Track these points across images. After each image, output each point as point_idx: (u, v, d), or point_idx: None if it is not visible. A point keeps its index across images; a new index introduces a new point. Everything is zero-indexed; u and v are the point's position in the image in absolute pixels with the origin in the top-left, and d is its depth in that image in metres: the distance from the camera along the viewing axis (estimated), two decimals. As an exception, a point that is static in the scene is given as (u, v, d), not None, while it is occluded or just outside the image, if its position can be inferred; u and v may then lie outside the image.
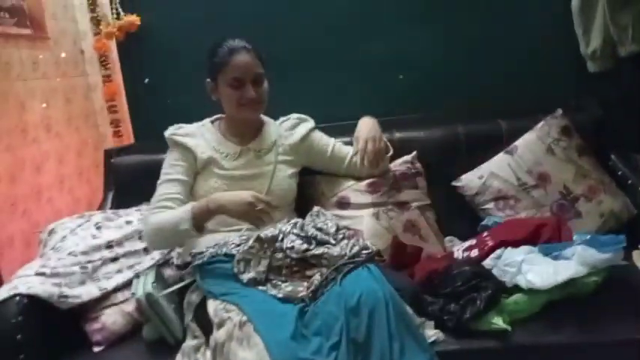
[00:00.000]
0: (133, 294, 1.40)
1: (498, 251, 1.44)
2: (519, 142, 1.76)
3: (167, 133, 1.59)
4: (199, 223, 1.42)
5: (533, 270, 1.32)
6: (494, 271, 1.39)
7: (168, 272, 1.62)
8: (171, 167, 1.55)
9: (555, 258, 1.37)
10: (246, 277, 1.36)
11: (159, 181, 1.55)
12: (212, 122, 1.66)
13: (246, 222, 1.44)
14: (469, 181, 1.76)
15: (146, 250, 1.63)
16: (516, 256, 1.37)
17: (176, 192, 1.52)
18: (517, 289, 1.35)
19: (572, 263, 1.29)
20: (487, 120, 1.86)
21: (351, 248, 1.44)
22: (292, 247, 1.38)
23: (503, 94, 1.95)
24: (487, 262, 1.44)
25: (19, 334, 1.29)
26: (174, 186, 1.52)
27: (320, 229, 1.44)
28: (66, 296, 1.39)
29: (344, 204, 1.71)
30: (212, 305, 1.33)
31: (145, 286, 1.40)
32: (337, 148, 1.72)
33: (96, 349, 1.43)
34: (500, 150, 1.78)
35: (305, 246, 1.40)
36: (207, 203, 1.42)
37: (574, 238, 1.46)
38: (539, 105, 1.85)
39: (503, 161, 1.75)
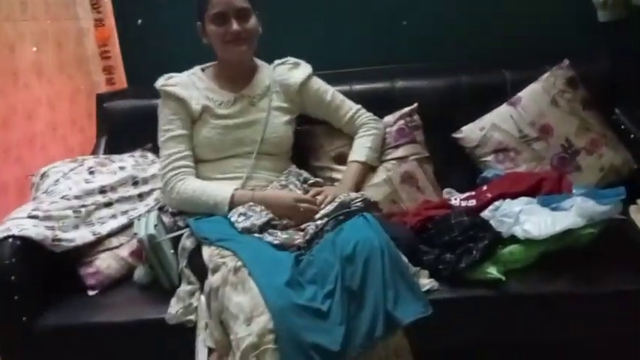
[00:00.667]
0: (135, 234, 1.38)
1: (497, 203, 1.43)
2: (523, 93, 1.71)
3: (158, 84, 1.53)
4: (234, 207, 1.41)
5: (531, 220, 1.31)
6: (492, 222, 1.38)
7: (164, 218, 1.60)
8: (171, 122, 1.50)
9: (554, 209, 1.35)
10: (241, 225, 1.35)
11: (162, 138, 1.51)
12: (203, 70, 1.60)
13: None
14: (470, 132, 1.72)
15: (140, 197, 1.62)
16: (514, 206, 1.36)
17: (185, 149, 1.49)
18: (513, 239, 1.34)
19: (571, 214, 1.28)
20: (491, 70, 1.81)
21: (344, 197, 1.43)
22: None
23: (508, 44, 1.89)
24: (485, 214, 1.43)
25: (12, 276, 1.28)
26: (181, 143, 1.49)
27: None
28: (59, 239, 1.38)
29: (342, 158, 1.68)
30: (207, 251, 1.32)
31: (147, 227, 1.38)
32: (336, 101, 1.66)
33: (90, 292, 1.43)
34: (504, 101, 1.73)
35: None
36: (251, 198, 1.41)
37: (573, 191, 1.44)
38: (545, 56, 1.79)
39: (505, 113, 1.71)
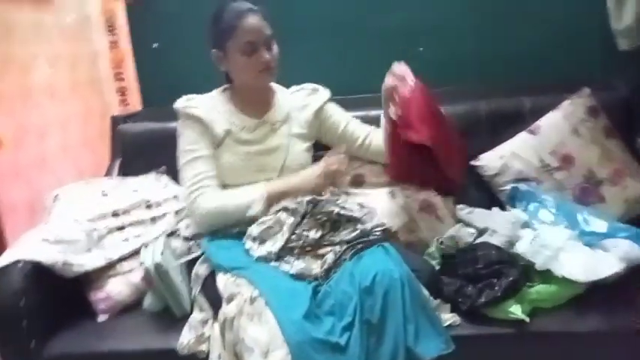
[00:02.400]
0: (142, 263, 1.35)
1: (537, 227, 1.38)
2: (543, 122, 1.68)
3: (179, 105, 1.49)
4: (270, 206, 1.38)
5: (572, 260, 1.26)
6: (526, 248, 1.32)
7: (175, 243, 1.56)
8: (194, 144, 1.46)
9: (590, 243, 1.31)
10: (257, 253, 1.32)
11: (182, 161, 1.46)
12: (222, 92, 1.59)
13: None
14: (489, 160, 1.69)
15: (153, 220, 1.59)
16: (556, 239, 1.31)
17: (209, 169, 1.44)
18: (542, 275, 1.30)
19: (614, 258, 1.24)
20: (510, 97, 1.78)
21: (364, 224, 1.40)
22: (307, 236, 1.33)
23: (527, 70, 1.87)
24: (522, 241, 1.37)
25: (22, 301, 1.25)
26: (207, 163, 1.44)
27: (343, 208, 1.38)
28: (70, 264, 1.35)
29: (359, 182, 1.65)
30: (222, 279, 1.28)
31: (154, 255, 1.35)
32: (351, 127, 1.63)
33: (100, 318, 1.40)
34: (523, 129, 1.70)
35: (320, 233, 1.35)
36: (283, 187, 1.40)
37: (606, 224, 1.38)
38: (564, 83, 1.76)
39: (525, 141, 1.68)
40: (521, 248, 1.34)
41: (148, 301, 1.41)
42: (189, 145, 1.46)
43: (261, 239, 1.34)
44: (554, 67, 1.87)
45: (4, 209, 2.23)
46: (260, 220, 1.37)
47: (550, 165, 1.64)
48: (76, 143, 2.90)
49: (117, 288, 1.43)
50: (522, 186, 1.61)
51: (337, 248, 1.34)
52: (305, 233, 1.33)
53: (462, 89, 1.87)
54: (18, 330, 1.26)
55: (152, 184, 1.68)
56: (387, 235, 1.40)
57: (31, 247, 1.33)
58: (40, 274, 1.31)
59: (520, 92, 1.79)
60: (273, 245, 1.32)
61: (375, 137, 1.61)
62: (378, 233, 1.38)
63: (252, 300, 1.16)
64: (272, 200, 1.38)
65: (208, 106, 1.51)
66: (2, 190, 2.25)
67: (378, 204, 1.57)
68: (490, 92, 1.82)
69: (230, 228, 1.41)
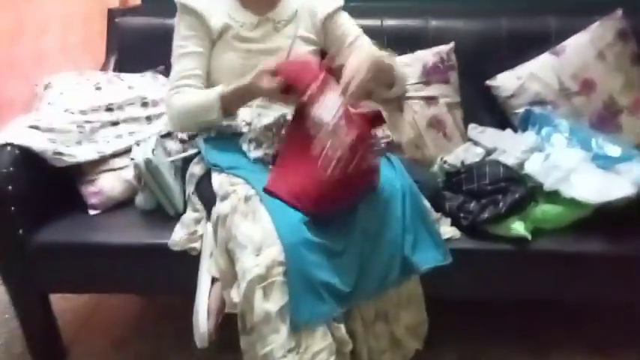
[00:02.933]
0: (132, 159, 1.30)
1: (548, 149, 1.32)
2: (568, 43, 1.58)
3: None
4: (229, 111, 1.29)
5: (583, 181, 1.21)
6: (537, 170, 1.27)
7: (171, 145, 1.51)
8: (185, 39, 1.37)
9: (603, 167, 1.25)
10: (254, 154, 1.26)
11: (173, 56, 1.37)
12: None
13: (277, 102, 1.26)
14: (505, 80, 1.60)
15: (148, 119, 1.52)
16: (568, 160, 1.25)
17: (194, 67, 1.35)
18: (548, 196, 1.25)
19: (625, 181, 1.18)
20: (535, 15, 1.66)
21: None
22: None
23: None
24: (532, 159, 1.31)
25: (9, 185, 1.21)
26: (192, 60, 1.35)
27: None
28: (61, 153, 1.30)
29: (366, 93, 1.56)
30: (217, 178, 1.24)
31: (145, 152, 1.30)
32: (359, 43, 1.48)
33: (91, 212, 1.36)
34: (546, 50, 1.60)
35: None
36: (234, 86, 1.26)
37: (620, 149, 1.32)
38: (595, 4, 1.63)
39: (546, 62, 1.58)
40: (531, 168, 1.28)
41: (140, 199, 1.37)
42: (181, 41, 1.37)
43: (257, 141, 1.28)
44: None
45: (0, 104, 2.17)
46: (254, 124, 1.30)
47: (570, 89, 1.55)
48: (75, 42, 2.79)
49: (109, 183, 1.38)
50: (536, 109, 1.53)
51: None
52: None
53: (484, 5, 1.75)
54: (6, 216, 1.23)
55: (149, 83, 1.60)
56: (392, 147, 1.35)
57: (20, 132, 1.27)
58: (29, 160, 1.26)
59: (546, 11, 1.67)
60: (270, 147, 1.26)
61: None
62: (382, 145, 1.33)
63: (247, 198, 1.12)
64: (226, 100, 1.27)
65: None
66: (-2, 84, 2.18)
67: (385, 117, 1.50)
68: (513, 9, 1.70)
69: (205, 131, 1.34)
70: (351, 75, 1.13)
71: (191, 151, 1.37)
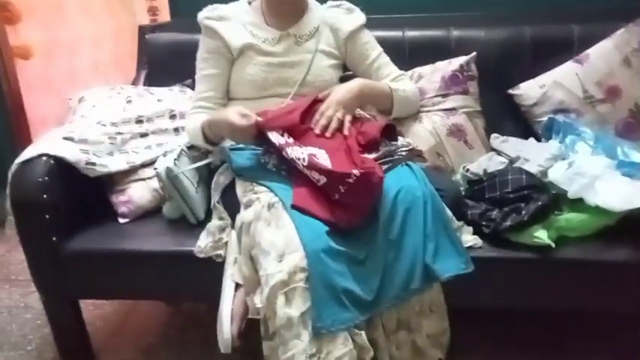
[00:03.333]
0: (155, 169, 1.35)
1: (572, 156, 1.31)
2: (592, 50, 1.56)
3: (200, 16, 1.45)
4: (211, 139, 1.36)
5: (609, 188, 1.19)
6: (560, 177, 1.25)
7: (195, 154, 1.56)
8: (204, 61, 1.45)
9: (628, 174, 1.23)
10: (270, 164, 1.28)
11: (195, 76, 1.48)
12: (249, 3, 1.51)
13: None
14: (529, 89, 1.59)
15: (176, 131, 1.57)
16: (592, 167, 1.23)
17: (209, 89, 1.45)
18: (572, 204, 1.23)
19: None
20: (558, 23, 1.65)
21: (389, 144, 1.35)
22: None
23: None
24: (555, 167, 1.30)
25: (44, 194, 1.26)
26: (208, 83, 1.45)
27: None
28: (93, 163, 1.35)
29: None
30: (241, 186, 1.27)
31: (167, 162, 1.34)
32: (379, 63, 1.50)
33: (121, 220, 1.41)
34: (569, 59, 1.59)
35: None
36: (210, 121, 1.32)
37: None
38: (619, 10, 1.62)
39: (570, 70, 1.56)
40: (554, 176, 1.27)
41: (167, 208, 1.41)
42: (201, 62, 1.47)
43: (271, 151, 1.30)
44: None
45: (34, 120, 2.27)
46: None
47: (594, 97, 1.53)
48: (107, 61, 2.91)
49: (138, 192, 1.43)
50: (560, 117, 1.52)
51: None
52: None
53: (506, 14, 1.75)
54: (40, 224, 1.28)
55: (177, 96, 1.65)
56: (413, 155, 1.36)
57: (55, 143, 1.33)
58: (63, 170, 1.31)
59: (569, 19, 1.66)
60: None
61: (402, 84, 1.49)
62: (403, 153, 1.34)
63: (270, 206, 1.14)
64: (205, 129, 1.34)
65: (230, 17, 1.45)
66: (32, 101, 2.28)
67: (404, 127, 1.51)
68: (537, 17, 1.70)
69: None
70: (322, 110, 1.30)
71: (210, 159, 1.40)
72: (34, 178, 1.26)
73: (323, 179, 1.14)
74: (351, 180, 1.10)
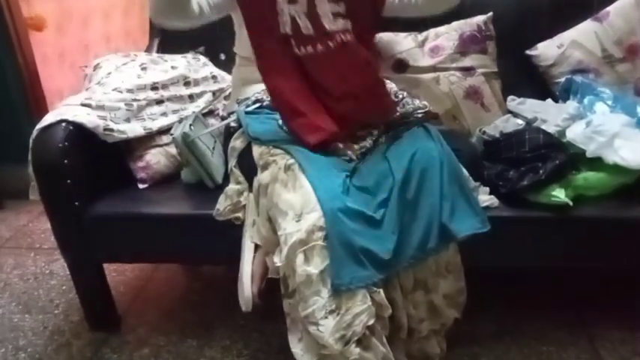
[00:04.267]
0: (171, 134, 1.36)
1: (590, 116, 1.29)
2: (612, 8, 1.53)
3: None
4: None
5: (628, 146, 1.18)
6: (578, 137, 1.24)
7: (212, 121, 1.58)
8: None
9: None
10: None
11: None
12: None
13: None
14: (546, 49, 1.57)
15: (191, 98, 1.58)
16: (611, 125, 1.22)
17: None
18: (591, 163, 1.22)
19: None
20: (578, -19, 1.62)
21: (405, 107, 1.35)
22: None
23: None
24: (574, 126, 1.29)
25: (65, 159, 1.28)
26: None
27: None
28: (111, 129, 1.37)
29: (401, 66, 1.57)
30: (257, 150, 1.28)
31: (183, 128, 1.35)
32: None
33: (140, 185, 1.43)
34: (588, 17, 1.56)
35: None
36: None
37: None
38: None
39: (589, 29, 1.54)
40: (572, 135, 1.26)
41: (185, 173, 1.43)
42: None
43: None
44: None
45: (49, 92, 2.29)
46: None
47: (614, 55, 1.51)
48: (118, 32, 2.90)
49: (156, 158, 1.45)
50: (578, 77, 1.50)
51: (375, 131, 1.31)
52: None
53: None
54: (62, 188, 1.30)
55: (190, 63, 1.65)
56: (430, 118, 1.35)
57: (73, 109, 1.34)
58: (82, 136, 1.33)
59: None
60: None
61: None
62: (419, 115, 1.34)
63: (287, 167, 1.15)
64: None
65: None
66: (47, 73, 2.29)
67: (420, 89, 1.51)
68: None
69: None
70: None
71: (226, 122, 1.40)
72: (54, 144, 1.28)
73: None
74: None
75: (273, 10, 1.23)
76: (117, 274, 1.76)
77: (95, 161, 1.39)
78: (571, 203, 1.20)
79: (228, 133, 1.44)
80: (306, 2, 1.23)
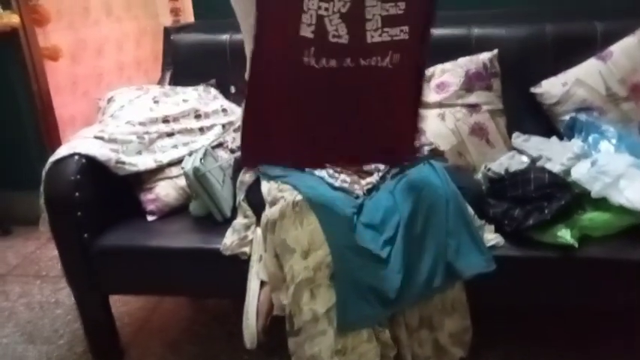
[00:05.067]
0: (182, 168, 1.38)
1: (595, 155, 1.31)
2: (615, 47, 1.56)
3: None
4: None
5: (634, 187, 1.19)
6: (583, 176, 1.25)
7: (221, 154, 1.60)
8: None
9: None
10: None
11: None
12: None
13: None
14: (551, 87, 1.59)
15: (201, 130, 1.61)
16: (616, 166, 1.23)
17: None
18: (596, 203, 1.23)
19: None
20: (580, 20, 1.65)
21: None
22: None
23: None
24: (578, 166, 1.30)
25: (77, 192, 1.30)
26: None
27: None
28: (123, 162, 1.39)
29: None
30: (266, 185, 1.29)
31: (194, 161, 1.38)
32: None
33: (149, 218, 1.45)
34: (592, 55, 1.58)
35: None
36: None
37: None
38: (642, 7, 1.62)
39: (593, 67, 1.56)
40: (577, 174, 1.27)
41: (193, 206, 1.45)
42: None
43: None
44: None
45: (62, 120, 2.34)
46: None
47: (617, 94, 1.53)
48: (130, 61, 2.97)
49: (165, 190, 1.47)
50: (582, 115, 1.52)
51: (382, 166, 1.32)
52: None
53: (527, 11, 1.75)
54: (73, 221, 1.32)
55: (202, 96, 1.69)
56: (435, 154, 1.37)
57: (86, 142, 1.37)
58: (94, 169, 1.35)
59: (592, 15, 1.65)
60: None
61: None
62: (426, 152, 1.36)
63: (295, 204, 1.17)
64: None
65: None
66: (60, 101, 2.35)
67: (426, 125, 1.52)
68: (558, 15, 1.69)
69: None
70: None
71: (238, 154, 1.42)
72: (67, 177, 1.30)
73: None
74: None
75: (296, 5, 0.95)
76: (121, 304, 1.76)
77: (105, 193, 1.41)
78: (576, 244, 1.20)
79: (237, 167, 1.46)
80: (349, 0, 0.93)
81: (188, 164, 1.37)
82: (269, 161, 1.16)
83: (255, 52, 0.99)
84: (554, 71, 1.61)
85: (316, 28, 0.93)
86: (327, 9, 0.92)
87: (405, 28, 0.95)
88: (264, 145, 1.05)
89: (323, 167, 1.18)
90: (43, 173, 1.33)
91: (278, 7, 0.95)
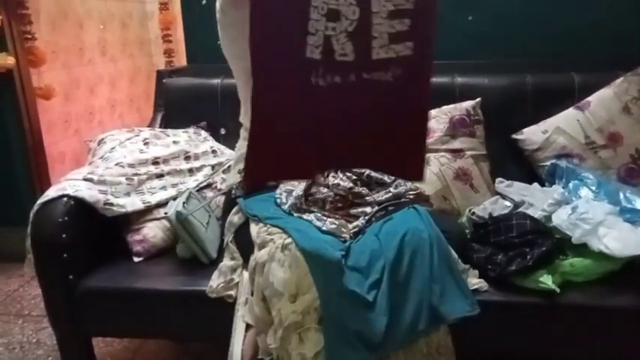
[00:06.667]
0: (165, 213, 1.39)
1: (575, 201, 1.35)
2: (593, 98, 1.63)
3: None
4: None
5: (612, 235, 1.22)
6: (564, 223, 1.29)
7: (209, 194, 1.61)
8: None
9: (631, 220, 1.26)
10: (287, 205, 1.33)
11: None
12: None
13: None
14: (532, 134, 1.65)
15: (190, 172, 1.63)
16: (596, 213, 1.27)
17: None
18: (576, 249, 1.26)
19: None
20: (559, 72, 1.73)
21: (397, 188, 1.39)
22: (338, 185, 1.34)
23: (579, 45, 1.80)
24: (559, 212, 1.33)
25: (63, 234, 1.31)
26: None
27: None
28: (111, 204, 1.40)
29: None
30: (255, 228, 1.30)
31: (177, 206, 1.39)
32: None
33: (136, 259, 1.45)
34: (570, 106, 1.65)
35: (350, 184, 1.35)
36: None
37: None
38: (617, 60, 1.70)
39: (572, 117, 1.62)
40: (558, 221, 1.30)
41: (180, 248, 1.45)
42: None
43: (288, 191, 1.36)
44: (608, 43, 1.79)
45: (52, 157, 2.35)
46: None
47: (596, 142, 1.58)
48: (123, 100, 3.02)
49: (152, 231, 1.47)
50: (562, 162, 1.57)
51: (368, 210, 1.35)
52: (337, 182, 1.33)
53: (508, 62, 1.83)
54: (58, 262, 1.32)
55: (192, 138, 1.72)
56: (420, 199, 1.40)
57: (75, 184, 1.38)
58: (82, 210, 1.36)
59: (570, 67, 1.73)
60: (298, 187, 1.33)
61: None
62: (410, 196, 1.38)
63: (284, 247, 1.18)
64: None
65: None
66: (52, 139, 2.36)
67: (412, 170, 1.56)
68: (538, 66, 1.77)
69: None
70: None
71: (217, 194, 1.44)
72: (54, 219, 1.31)
73: None
74: None
75: (302, 28, 0.94)
76: (105, 344, 1.74)
77: (92, 234, 1.41)
78: (558, 290, 1.22)
79: (227, 207, 1.47)
80: (357, 19, 0.94)
81: (171, 209, 1.38)
82: (275, 177, 1.17)
83: (256, 87, 0.97)
84: (535, 119, 1.67)
85: (323, 49, 0.93)
86: (334, 28, 0.93)
87: (410, 43, 0.96)
88: (269, 163, 1.04)
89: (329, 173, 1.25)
90: (31, 215, 1.33)
91: (282, 37, 0.94)
